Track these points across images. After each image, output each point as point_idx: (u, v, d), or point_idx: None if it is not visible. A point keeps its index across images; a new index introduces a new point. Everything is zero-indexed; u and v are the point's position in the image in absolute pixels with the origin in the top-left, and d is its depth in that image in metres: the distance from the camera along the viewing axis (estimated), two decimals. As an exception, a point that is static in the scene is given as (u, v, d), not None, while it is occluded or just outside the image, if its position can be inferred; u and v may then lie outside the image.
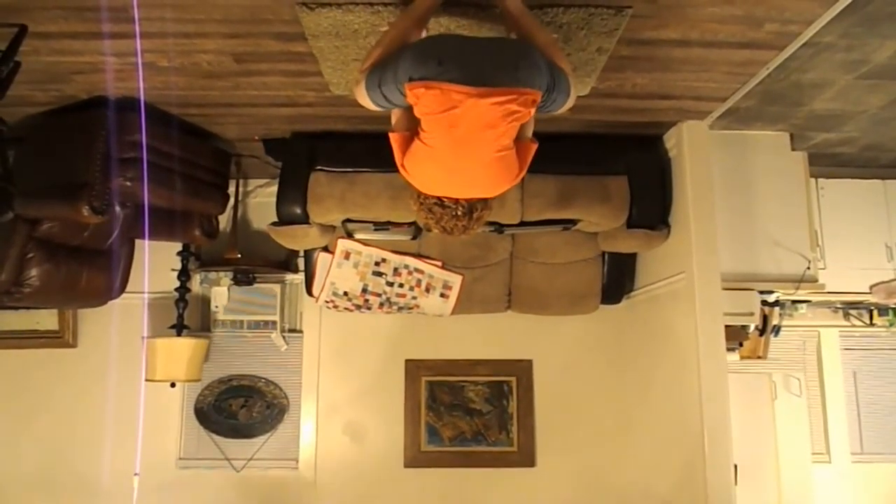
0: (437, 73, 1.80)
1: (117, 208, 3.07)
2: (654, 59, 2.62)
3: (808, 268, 3.32)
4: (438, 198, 2.07)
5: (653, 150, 3.38)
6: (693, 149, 3.17)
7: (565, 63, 2.03)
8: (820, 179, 3.63)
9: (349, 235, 3.53)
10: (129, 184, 2.95)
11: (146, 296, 3.74)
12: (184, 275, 3.75)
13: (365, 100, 2.04)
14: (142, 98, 2.83)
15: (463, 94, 1.78)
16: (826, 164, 3.72)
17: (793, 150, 3.46)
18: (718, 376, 2.96)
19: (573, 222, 3.34)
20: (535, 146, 2.08)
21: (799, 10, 2.25)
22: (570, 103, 2.06)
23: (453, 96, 1.79)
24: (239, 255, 3.73)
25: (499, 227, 3.32)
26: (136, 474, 3.46)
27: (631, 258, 3.72)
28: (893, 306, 3.92)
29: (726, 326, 3.07)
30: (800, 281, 3.31)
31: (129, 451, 3.62)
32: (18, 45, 2.26)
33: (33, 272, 3.03)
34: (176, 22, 2.32)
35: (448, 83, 1.79)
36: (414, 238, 3.50)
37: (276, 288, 3.86)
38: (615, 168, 3.27)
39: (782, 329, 3.75)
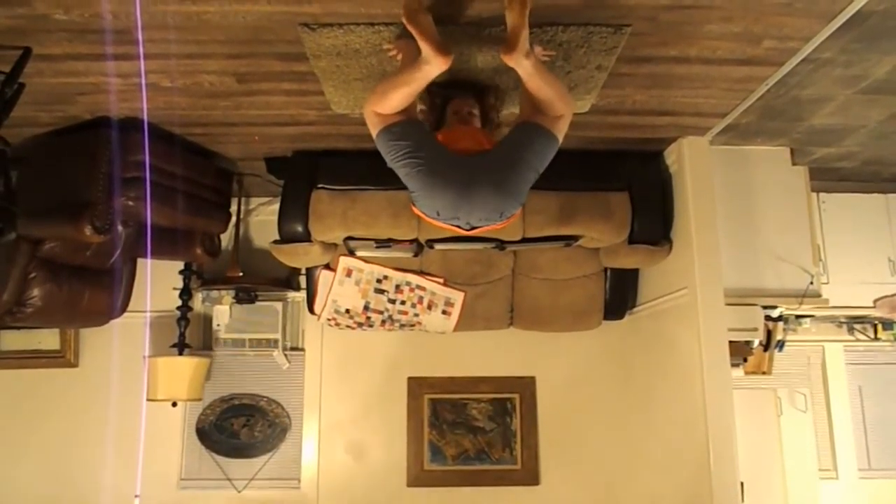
0: (434, 218, 2.28)
1: (119, 227, 3.07)
2: (654, 76, 2.64)
3: (812, 282, 3.31)
4: None
5: (654, 166, 3.39)
6: (694, 164, 3.18)
7: (569, 110, 2.22)
8: (821, 194, 3.64)
9: (351, 253, 3.53)
10: (131, 203, 2.96)
11: (148, 315, 3.74)
12: (186, 293, 3.74)
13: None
14: (145, 118, 2.84)
15: (456, 229, 2.30)
16: (827, 178, 3.73)
17: (794, 164, 3.47)
18: (723, 392, 2.95)
19: (575, 238, 3.34)
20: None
21: (797, 26, 2.27)
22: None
23: (449, 227, 2.30)
24: (241, 273, 3.74)
25: (500, 244, 3.32)
26: (136, 496, 3.44)
27: (633, 274, 3.72)
28: (897, 320, 3.91)
29: (730, 342, 3.05)
30: (803, 296, 3.30)
31: (130, 472, 3.60)
32: (22, 68, 2.28)
33: (35, 292, 3.03)
34: (179, 43, 2.34)
35: (444, 223, 2.29)
36: (416, 255, 3.50)
37: (278, 306, 3.85)
38: (616, 184, 3.27)
39: (786, 344, 3.74)
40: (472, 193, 2.16)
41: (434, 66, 2.04)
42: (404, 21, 2.03)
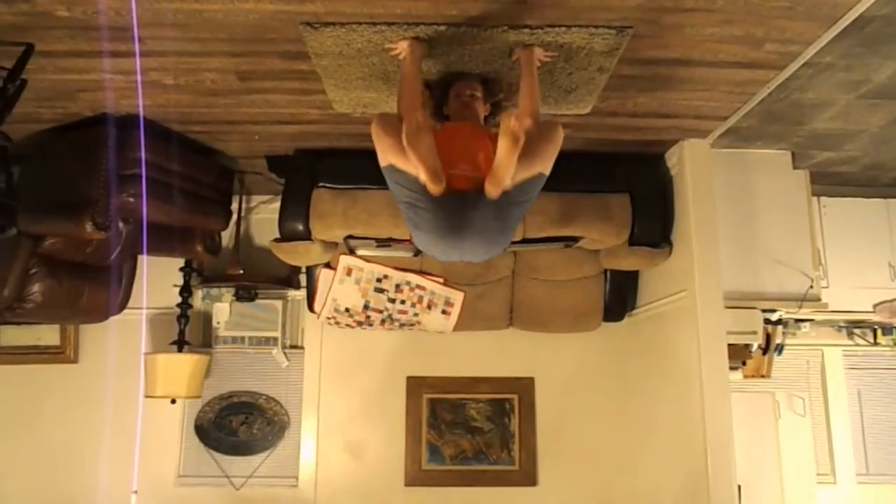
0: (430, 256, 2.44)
1: (120, 224, 3.08)
2: (656, 79, 2.64)
3: (811, 286, 3.31)
4: None
5: (654, 169, 3.39)
6: (695, 167, 3.18)
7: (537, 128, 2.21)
8: (822, 198, 3.62)
9: (351, 252, 3.53)
10: (132, 200, 2.96)
11: (144, 311, 3.74)
12: (186, 291, 3.75)
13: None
14: (141, 114, 2.84)
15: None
16: (828, 182, 3.73)
17: (794, 168, 3.47)
18: (721, 395, 2.95)
19: (575, 240, 3.34)
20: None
21: (799, 30, 2.27)
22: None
23: None
24: (241, 272, 3.74)
25: (501, 245, 3.32)
26: (134, 492, 3.44)
27: (633, 276, 3.72)
28: (897, 325, 3.91)
29: (729, 345, 3.05)
30: (802, 300, 3.30)
31: (128, 468, 3.59)
32: (25, 64, 2.29)
33: (36, 288, 3.04)
34: (180, 41, 2.35)
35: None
36: (416, 255, 3.50)
37: (278, 304, 3.86)
38: (617, 186, 3.27)
39: (786, 348, 3.73)
40: (462, 245, 2.26)
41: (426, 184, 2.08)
42: (404, 141, 1.99)
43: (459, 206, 2.18)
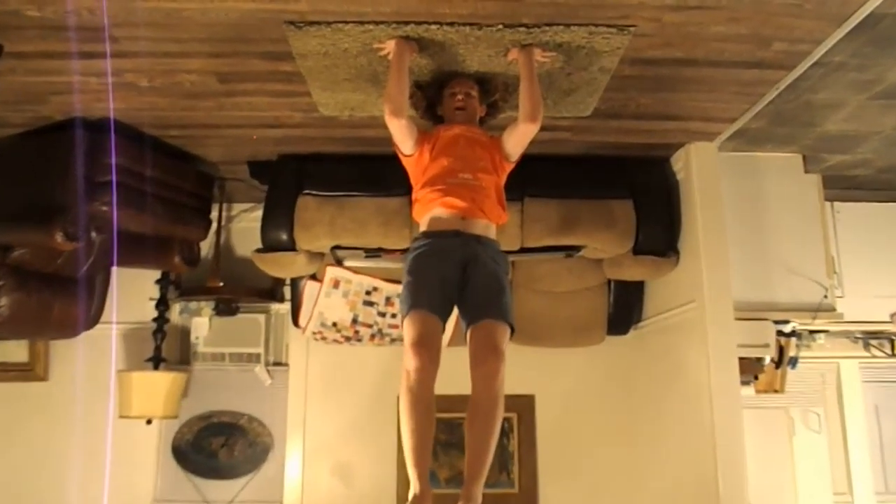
0: None
1: (93, 234, 3.08)
2: (660, 79, 2.67)
3: (826, 296, 3.33)
4: None
5: (659, 173, 3.41)
6: (702, 171, 3.21)
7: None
8: (836, 203, 3.66)
9: (339, 263, 3.54)
10: (105, 208, 2.96)
11: (114, 326, 3.72)
12: (162, 304, 3.75)
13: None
14: (112, 117, 2.86)
15: None
16: (841, 186, 3.75)
17: (806, 172, 3.50)
18: (732, 412, 2.96)
19: (577, 249, 3.36)
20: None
21: (808, 28, 2.30)
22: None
23: None
24: (221, 284, 3.74)
25: (497, 254, 3.34)
26: (106, 517, 3.43)
27: (638, 286, 3.73)
28: (916, 336, 3.94)
29: (740, 359, 3.07)
30: (816, 310, 3.32)
31: (101, 491, 3.58)
32: (-7, 65, 2.30)
33: (3, 301, 3.02)
34: (158, 41, 2.37)
35: None
36: (407, 265, 3.51)
37: (261, 318, 3.86)
38: (620, 191, 3.30)
39: (800, 361, 3.74)
40: None
41: None
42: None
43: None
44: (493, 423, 2.20)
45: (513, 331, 2.41)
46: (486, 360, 2.26)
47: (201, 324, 3.81)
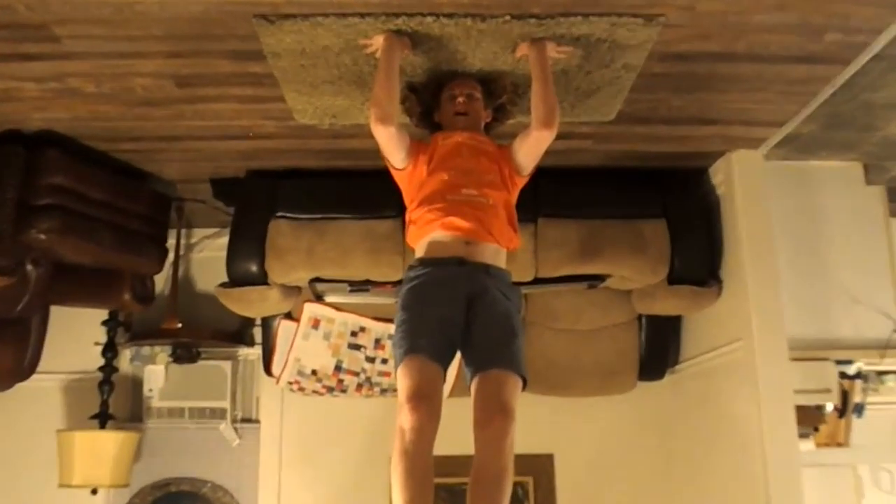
0: None
1: (28, 267, 3.08)
2: (694, 77, 2.70)
3: (895, 331, 3.33)
4: None
5: (697, 187, 3.44)
6: (746, 184, 3.22)
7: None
8: (904, 219, 3.69)
9: (318, 298, 3.54)
10: (43, 237, 2.97)
11: (53, 377, 3.71)
12: (110, 350, 3.74)
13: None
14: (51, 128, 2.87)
15: None
16: (910, 200, 3.78)
17: (867, 184, 3.53)
18: (789, 469, 2.95)
19: (601, 278, 3.36)
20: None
21: (865, 16, 2.32)
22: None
23: None
24: (179, 325, 3.73)
25: (507, 286, 3.34)
26: None
27: (675, 322, 3.73)
28: None
29: (797, 407, 3.06)
30: (885, 347, 3.32)
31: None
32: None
33: (-82, 348, 3.03)
34: (106, 40, 2.39)
35: None
36: (400, 300, 3.51)
37: (226, 366, 3.85)
38: (651, 210, 3.32)
39: (867, 408, 3.73)
40: None
41: None
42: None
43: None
44: (501, 494, 2.16)
45: (525, 383, 2.34)
46: (492, 420, 2.22)
47: (156, 373, 3.80)
